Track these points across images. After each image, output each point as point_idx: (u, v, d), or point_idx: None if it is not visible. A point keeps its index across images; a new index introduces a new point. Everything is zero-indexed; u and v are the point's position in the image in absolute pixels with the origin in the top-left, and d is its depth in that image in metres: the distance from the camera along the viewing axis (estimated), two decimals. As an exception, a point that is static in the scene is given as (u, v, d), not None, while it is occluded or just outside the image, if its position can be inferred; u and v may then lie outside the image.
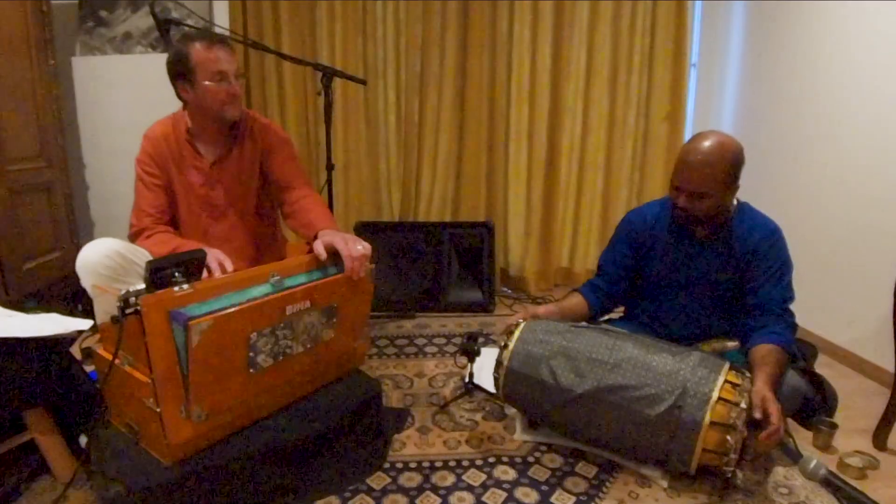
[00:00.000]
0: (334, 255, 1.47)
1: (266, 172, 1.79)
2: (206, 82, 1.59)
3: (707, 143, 1.54)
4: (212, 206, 1.75)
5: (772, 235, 1.65)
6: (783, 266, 1.64)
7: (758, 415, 1.35)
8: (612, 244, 1.87)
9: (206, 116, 1.66)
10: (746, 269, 1.65)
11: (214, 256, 1.45)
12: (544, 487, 1.47)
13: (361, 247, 1.46)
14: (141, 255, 1.61)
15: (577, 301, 1.85)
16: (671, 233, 1.74)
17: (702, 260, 1.70)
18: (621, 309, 1.98)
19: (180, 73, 1.60)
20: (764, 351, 1.51)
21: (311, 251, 1.49)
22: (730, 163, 1.54)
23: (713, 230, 1.68)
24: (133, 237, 1.69)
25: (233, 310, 1.19)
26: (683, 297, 1.75)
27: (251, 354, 1.28)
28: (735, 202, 1.68)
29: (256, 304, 1.25)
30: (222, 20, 2.76)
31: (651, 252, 1.78)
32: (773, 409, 1.34)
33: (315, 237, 1.53)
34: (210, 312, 1.19)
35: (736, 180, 1.58)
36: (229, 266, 1.44)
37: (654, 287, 1.80)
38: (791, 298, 1.64)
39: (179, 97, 1.67)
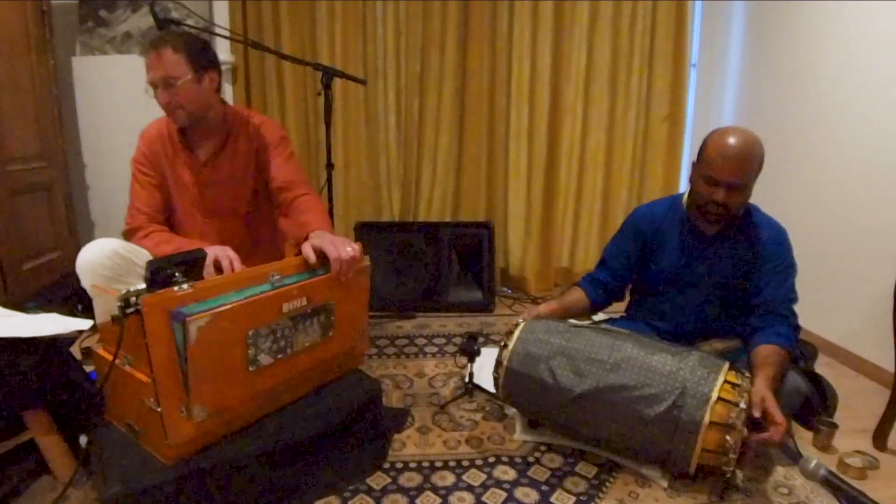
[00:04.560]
0: (324, 257, 1.46)
1: (262, 171, 1.77)
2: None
3: (741, 136, 1.56)
4: (205, 204, 1.74)
5: (779, 236, 1.66)
6: (788, 267, 1.65)
7: (757, 414, 1.35)
8: (618, 238, 1.87)
9: None
10: (752, 269, 1.66)
11: (225, 254, 1.44)
12: (544, 487, 1.47)
13: (350, 248, 1.44)
14: (141, 256, 1.61)
15: (577, 296, 1.85)
16: (681, 231, 1.74)
17: (709, 258, 1.71)
18: (622, 308, 1.98)
19: None
20: (766, 352, 1.51)
21: (299, 254, 1.49)
22: (762, 156, 1.57)
23: (720, 230, 1.68)
24: (127, 235, 1.68)
25: (229, 306, 1.20)
26: (688, 295, 1.75)
27: (250, 353, 1.28)
28: None
29: (252, 300, 1.25)
30: (222, 20, 2.76)
31: (658, 249, 1.78)
32: (774, 408, 1.34)
33: (306, 238, 1.52)
34: (208, 309, 1.19)
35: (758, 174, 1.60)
36: (237, 265, 1.44)
37: (660, 284, 1.80)
38: (794, 300, 1.64)
39: None
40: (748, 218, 1.68)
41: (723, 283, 1.71)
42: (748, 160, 1.54)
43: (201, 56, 1.60)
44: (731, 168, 1.55)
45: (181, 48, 1.56)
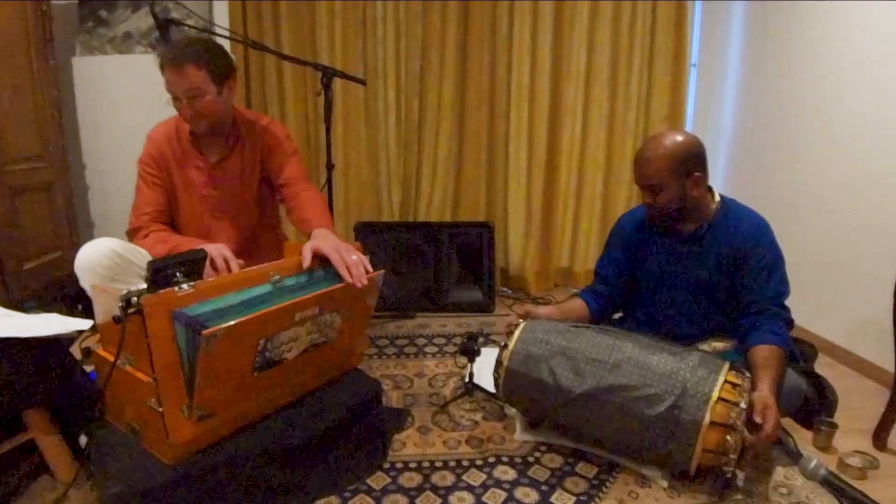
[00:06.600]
0: (323, 258, 1.45)
1: (266, 170, 1.80)
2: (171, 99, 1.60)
3: (654, 139, 1.63)
4: (214, 205, 1.77)
5: (758, 230, 1.64)
6: (774, 260, 1.63)
7: (759, 419, 1.35)
8: (607, 249, 1.89)
9: None
10: (736, 267, 1.64)
11: (220, 253, 1.44)
12: (544, 487, 1.47)
13: (356, 257, 1.43)
14: (139, 255, 1.61)
15: (578, 304, 1.85)
16: (658, 233, 1.75)
17: (689, 259, 1.70)
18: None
19: None
20: (765, 352, 1.51)
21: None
22: (674, 153, 1.58)
23: (696, 228, 1.68)
24: (130, 235, 1.70)
25: (246, 318, 1.17)
26: (676, 297, 1.75)
27: (258, 359, 1.27)
28: (718, 198, 1.69)
29: (269, 311, 1.23)
30: (222, 20, 2.76)
31: (642, 253, 1.78)
32: (772, 418, 1.34)
33: (309, 236, 1.53)
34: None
35: (688, 170, 1.59)
36: (234, 266, 1.44)
37: (648, 288, 1.80)
38: (785, 293, 1.63)
39: None
40: (723, 216, 1.67)
41: (706, 282, 1.70)
42: (652, 163, 1.59)
43: (221, 66, 1.60)
44: (639, 172, 1.64)
45: (203, 63, 1.55)
